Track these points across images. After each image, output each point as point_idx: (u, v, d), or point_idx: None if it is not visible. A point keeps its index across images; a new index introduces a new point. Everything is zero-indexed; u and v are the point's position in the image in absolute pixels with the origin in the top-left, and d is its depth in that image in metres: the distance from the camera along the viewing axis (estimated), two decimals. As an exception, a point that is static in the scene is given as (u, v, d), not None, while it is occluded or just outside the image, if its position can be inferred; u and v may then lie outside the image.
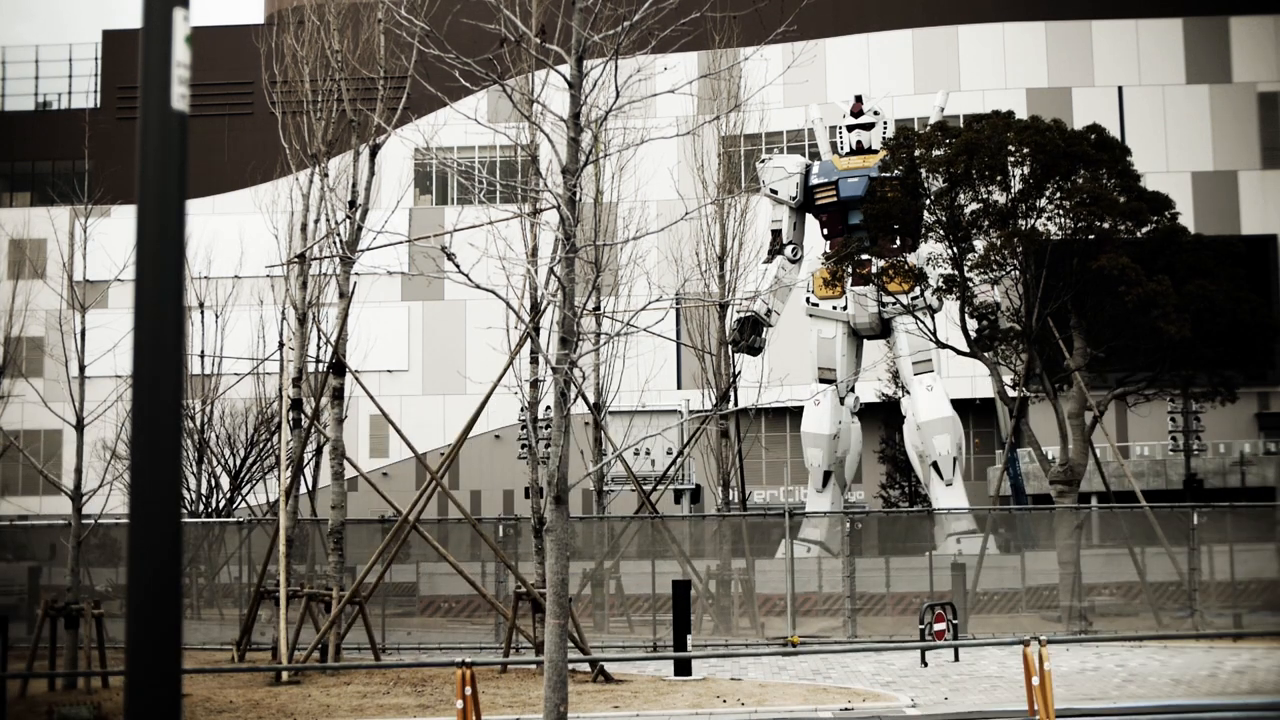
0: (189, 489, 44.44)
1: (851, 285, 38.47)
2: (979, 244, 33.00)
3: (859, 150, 39.53)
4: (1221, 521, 31.31)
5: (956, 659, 24.89)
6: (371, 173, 24.69)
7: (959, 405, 41.67)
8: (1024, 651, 16.17)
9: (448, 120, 24.26)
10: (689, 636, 22.80)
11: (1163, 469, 51.83)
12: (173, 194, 3.84)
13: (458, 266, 13.00)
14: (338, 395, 25.02)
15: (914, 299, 36.04)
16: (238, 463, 46.92)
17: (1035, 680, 15.72)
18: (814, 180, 40.04)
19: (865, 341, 41.12)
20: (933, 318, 34.80)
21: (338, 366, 25.27)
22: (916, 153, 33.23)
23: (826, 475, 39.55)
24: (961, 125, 34.04)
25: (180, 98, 3.85)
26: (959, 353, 34.51)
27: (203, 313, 47.98)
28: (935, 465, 37.98)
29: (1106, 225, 31.56)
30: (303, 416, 29.07)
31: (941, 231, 33.26)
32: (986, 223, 32.50)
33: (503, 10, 13.15)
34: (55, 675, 22.39)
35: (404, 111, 24.19)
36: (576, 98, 12.39)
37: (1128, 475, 36.69)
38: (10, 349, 38.49)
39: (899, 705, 18.93)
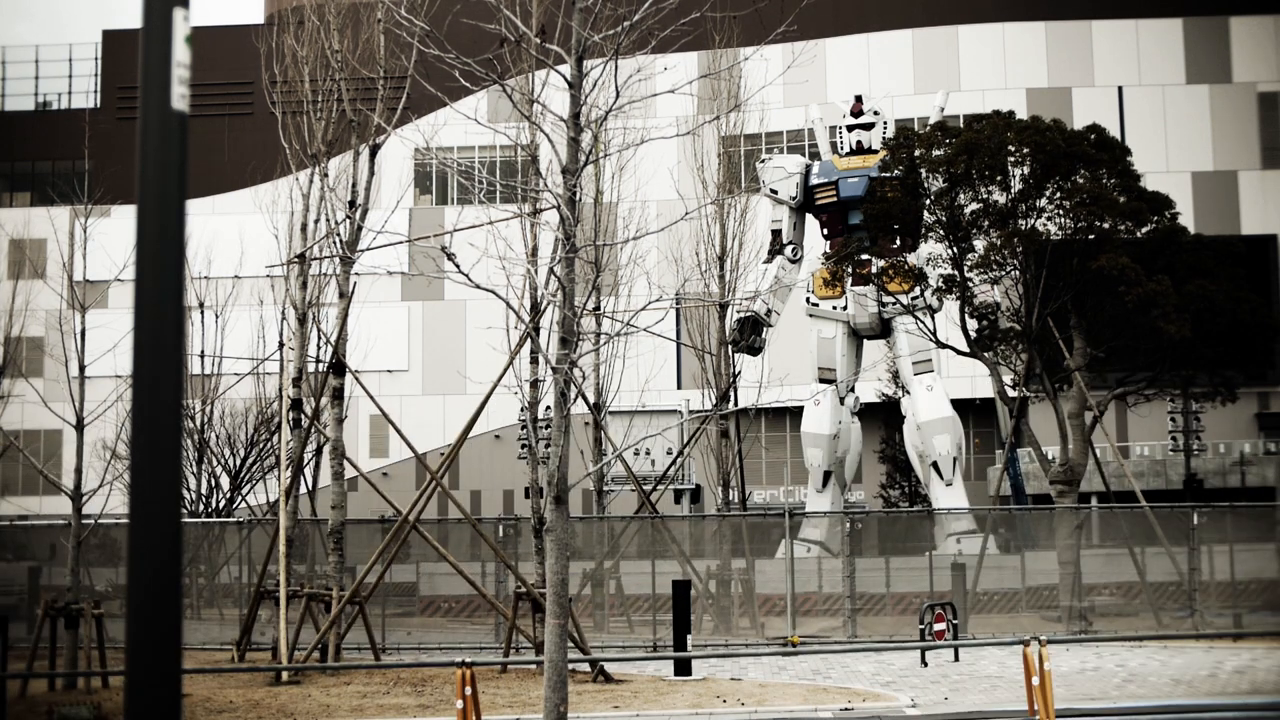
0: (189, 489, 44.44)
1: (851, 285, 38.48)
2: (979, 244, 33.00)
3: (859, 150, 39.53)
4: (1221, 521, 31.31)
5: (956, 659, 24.89)
6: (371, 173, 24.69)
7: (959, 405, 41.68)
8: (1024, 651, 16.17)
9: (448, 120, 24.26)
10: (689, 636, 22.80)
11: (1163, 469, 51.83)
12: (173, 194, 3.84)
13: (458, 266, 13.00)
14: (338, 395, 25.02)
15: (914, 299, 36.04)
16: (238, 463, 46.92)
17: (1035, 680, 15.72)
18: (814, 180, 40.05)
19: (865, 341, 41.13)
20: (933, 318, 34.80)
21: (338, 366, 25.27)
22: (916, 153, 33.24)
23: (826, 475, 39.55)
24: (961, 125, 34.04)
25: (180, 98, 3.85)
26: (959, 353, 34.51)
27: (203, 313, 47.99)
28: (935, 465, 37.98)
29: (1106, 225, 31.56)
30: (303, 416, 29.07)
31: (941, 231, 33.26)
32: (986, 223, 32.50)
33: (503, 10, 13.15)
34: (55, 675, 22.39)
35: (404, 111, 24.19)
36: (576, 98, 12.39)
37: (1128, 475, 36.69)
38: (10, 349, 38.49)
39: (899, 705, 18.93)
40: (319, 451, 39.02)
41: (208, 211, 59.57)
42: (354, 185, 25.04)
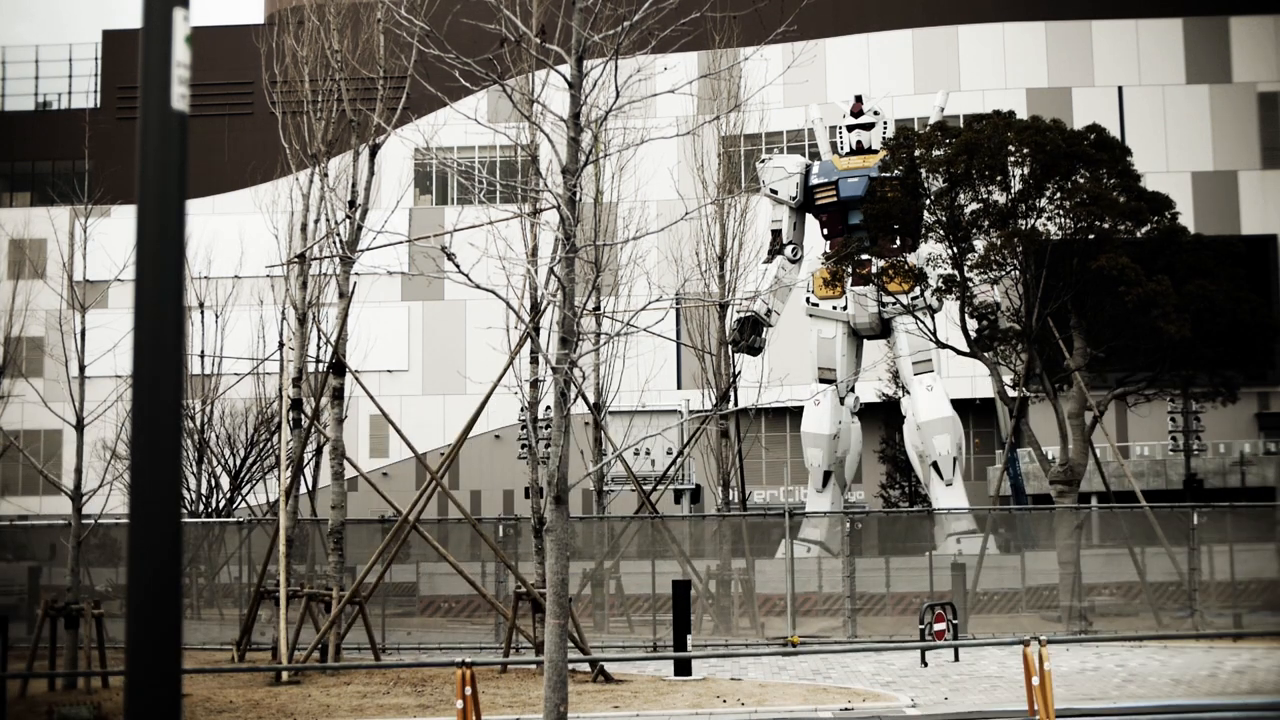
0: (189, 489, 44.44)
1: (851, 285, 38.48)
2: (979, 244, 33.00)
3: (859, 150, 39.53)
4: (1221, 521, 31.31)
5: (956, 659, 24.89)
6: (371, 173, 24.69)
7: (959, 405, 41.68)
8: (1024, 651, 16.17)
9: (448, 120, 24.25)
10: (689, 636, 22.80)
11: (1163, 469, 51.82)
12: (173, 194, 3.84)
13: (458, 266, 13.00)
14: (338, 395, 25.02)
15: (914, 299, 36.03)
16: (238, 463, 46.92)
17: (1035, 680, 15.72)
18: (814, 180, 40.05)
19: (865, 341, 41.13)
20: (933, 318, 34.80)
21: (338, 366, 25.27)
22: (916, 153, 33.24)
23: (826, 475, 39.56)
24: (961, 125, 34.04)
25: (180, 98, 3.85)
26: (959, 353, 34.51)
27: (203, 313, 47.99)
28: (935, 465, 37.98)
29: (1106, 225, 31.56)
30: (303, 416, 29.07)
31: (941, 231, 33.26)
32: (986, 223, 32.50)
33: (503, 10, 13.15)
34: (55, 675, 22.39)
35: (404, 111, 24.19)
36: (576, 98, 12.39)
37: (1128, 475, 36.69)
38: (10, 349, 38.50)
39: (899, 705, 18.93)
40: (319, 451, 39.02)
41: (208, 211, 59.57)
42: (354, 185, 25.04)
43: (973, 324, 34.25)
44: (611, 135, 28.83)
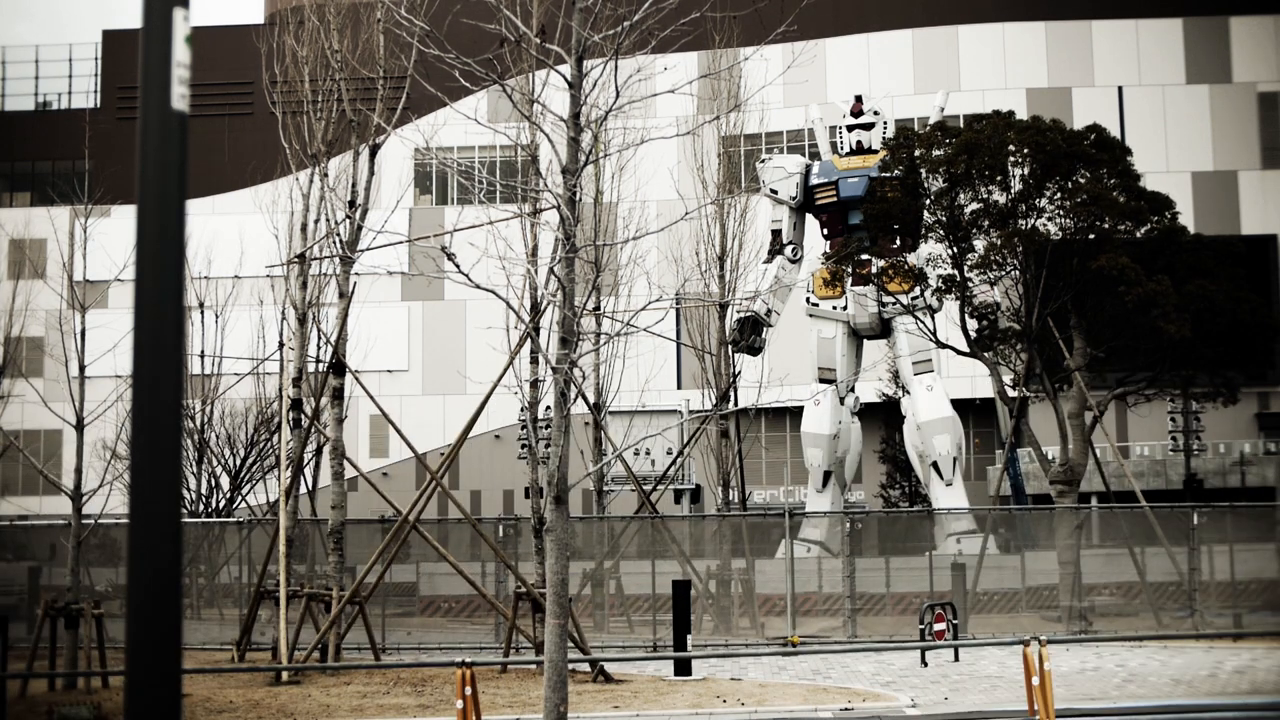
0: (189, 489, 44.44)
1: (851, 285, 38.48)
2: (979, 244, 33.00)
3: (859, 150, 39.53)
4: (1221, 521, 31.31)
5: (956, 659, 24.89)
6: (371, 173, 24.69)
7: (959, 405, 41.67)
8: (1024, 651, 16.17)
9: (448, 120, 24.26)
10: (689, 636, 22.80)
11: (1163, 469, 51.82)
12: (173, 194, 3.84)
13: (458, 266, 13.00)
14: (338, 395, 25.02)
15: (914, 299, 36.03)
16: (238, 463, 46.92)
17: (1035, 680, 15.72)
18: (814, 180, 40.05)
19: (865, 341, 41.13)
20: (932, 318, 34.80)
21: (338, 366, 25.27)
22: (916, 153, 33.24)
23: (826, 475, 39.55)
24: (961, 125, 34.04)
25: (180, 98, 3.85)
26: (959, 353, 34.51)
27: (203, 313, 47.99)
28: (935, 465, 37.98)
29: (1106, 225, 31.56)
30: (303, 416, 29.07)
31: (941, 231, 33.26)
32: (986, 223, 32.50)
33: (503, 10, 13.15)
34: (55, 675, 22.39)
35: (404, 111, 24.19)
36: (576, 98, 12.39)
37: (1128, 475, 36.69)
38: (10, 349, 38.50)
39: (899, 705, 18.94)
40: (319, 451, 39.02)
41: (208, 211, 59.57)
42: (354, 185, 25.04)
43: (973, 324, 34.25)
44: (611, 135, 28.83)
